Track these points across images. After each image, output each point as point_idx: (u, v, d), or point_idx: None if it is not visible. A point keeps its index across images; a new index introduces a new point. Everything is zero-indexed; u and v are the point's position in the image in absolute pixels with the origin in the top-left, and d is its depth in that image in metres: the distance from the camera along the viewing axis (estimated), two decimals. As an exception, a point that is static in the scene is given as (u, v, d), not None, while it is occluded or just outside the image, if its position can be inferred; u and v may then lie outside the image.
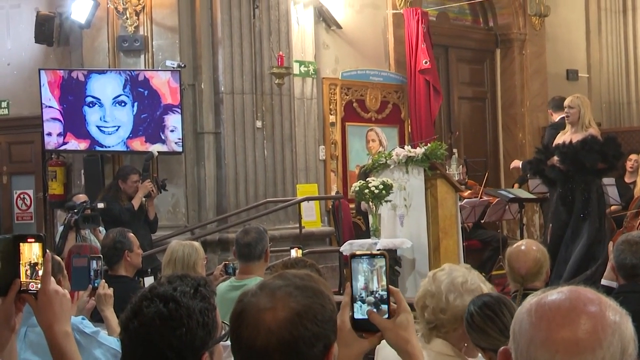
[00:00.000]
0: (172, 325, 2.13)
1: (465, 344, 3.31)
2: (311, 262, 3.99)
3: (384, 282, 2.02)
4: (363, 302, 2.03)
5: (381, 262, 2.02)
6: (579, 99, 8.88)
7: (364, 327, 2.04)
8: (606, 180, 10.24)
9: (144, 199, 9.03)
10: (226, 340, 2.25)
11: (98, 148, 10.10)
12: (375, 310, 2.02)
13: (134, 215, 8.87)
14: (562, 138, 8.81)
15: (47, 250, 2.45)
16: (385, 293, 2.03)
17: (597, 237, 8.57)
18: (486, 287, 3.39)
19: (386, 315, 2.03)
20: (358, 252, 2.05)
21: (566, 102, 8.91)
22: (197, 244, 5.85)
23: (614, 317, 1.56)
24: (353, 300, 2.03)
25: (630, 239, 4.64)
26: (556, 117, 10.41)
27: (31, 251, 2.41)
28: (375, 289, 2.02)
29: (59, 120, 10.00)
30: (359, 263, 2.03)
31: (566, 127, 8.91)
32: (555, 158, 8.69)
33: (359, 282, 2.03)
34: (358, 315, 2.03)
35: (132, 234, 5.95)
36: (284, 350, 1.88)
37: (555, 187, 8.92)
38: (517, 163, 10.93)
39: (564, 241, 8.61)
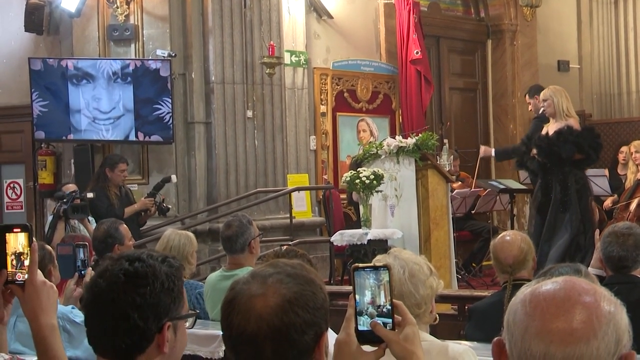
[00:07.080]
0: (136, 283, 2.08)
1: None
2: (302, 252, 3.97)
3: (390, 296, 2.02)
4: (367, 315, 2.02)
5: (386, 276, 2.01)
6: (550, 90, 8.76)
7: (367, 339, 2.03)
8: (594, 172, 10.21)
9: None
10: (191, 327, 2.22)
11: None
12: (379, 321, 2.02)
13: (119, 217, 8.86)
14: (545, 130, 8.79)
15: (34, 240, 2.42)
16: (390, 307, 2.02)
17: (580, 228, 8.54)
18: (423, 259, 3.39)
19: (389, 328, 2.02)
20: (361, 265, 2.03)
21: (540, 97, 8.88)
22: (191, 234, 5.92)
23: (608, 307, 1.56)
24: (357, 312, 2.02)
25: (617, 230, 4.52)
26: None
27: (17, 241, 2.39)
28: (382, 303, 2.01)
29: (48, 110, 9.95)
30: (366, 278, 2.01)
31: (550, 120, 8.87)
32: (534, 150, 8.69)
33: (366, 297, 2.01)
34: (362, 327, 2.02)
35: (124, 226, 5.96)
36: (275, 337, 1.87)
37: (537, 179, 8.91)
38: (488, 150, 10.28)
39: (543, 234, 8.55)
